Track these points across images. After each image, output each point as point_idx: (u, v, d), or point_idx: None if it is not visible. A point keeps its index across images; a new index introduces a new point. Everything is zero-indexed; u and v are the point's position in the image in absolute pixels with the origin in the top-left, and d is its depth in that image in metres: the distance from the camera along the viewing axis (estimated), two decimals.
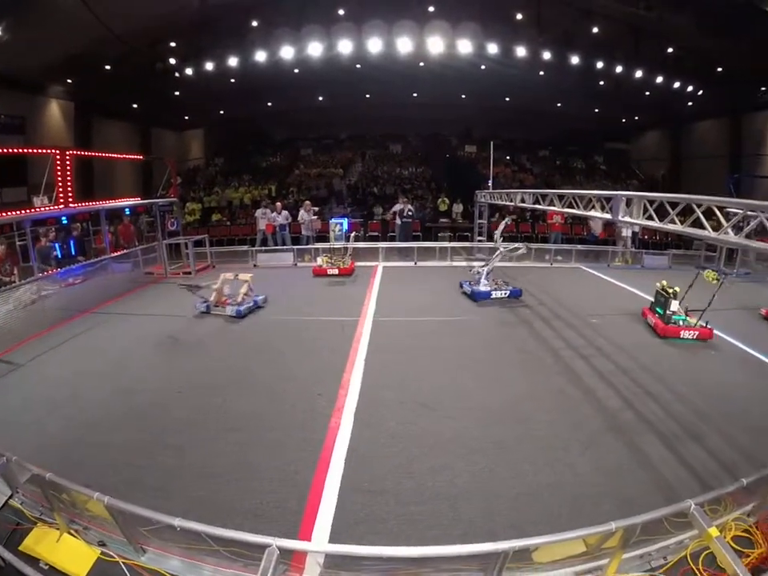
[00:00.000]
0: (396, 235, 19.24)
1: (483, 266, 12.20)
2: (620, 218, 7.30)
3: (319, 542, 4.14)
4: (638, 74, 24.37)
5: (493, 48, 21.01)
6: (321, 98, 28.55)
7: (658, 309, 10.21)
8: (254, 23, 20.18)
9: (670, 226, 6.33)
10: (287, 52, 20.32)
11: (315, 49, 20.20)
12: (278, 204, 18.92)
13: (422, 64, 22.63)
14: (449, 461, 5.26)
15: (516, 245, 13.06)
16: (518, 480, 4.97)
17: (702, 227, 5.90)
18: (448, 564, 3.46)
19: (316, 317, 10.48)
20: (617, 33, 21.89)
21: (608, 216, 7.74)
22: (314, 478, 4.99)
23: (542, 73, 24.26)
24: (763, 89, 26.11)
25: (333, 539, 4.16)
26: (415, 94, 27.80)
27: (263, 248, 17.22)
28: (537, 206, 11.42)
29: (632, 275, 15.46)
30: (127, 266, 13.81)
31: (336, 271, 14.29)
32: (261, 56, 20.63)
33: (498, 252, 12.28)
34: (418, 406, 6.48)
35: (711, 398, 7.26)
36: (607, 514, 3.61)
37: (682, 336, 9.59)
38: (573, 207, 9.06)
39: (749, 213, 5.40)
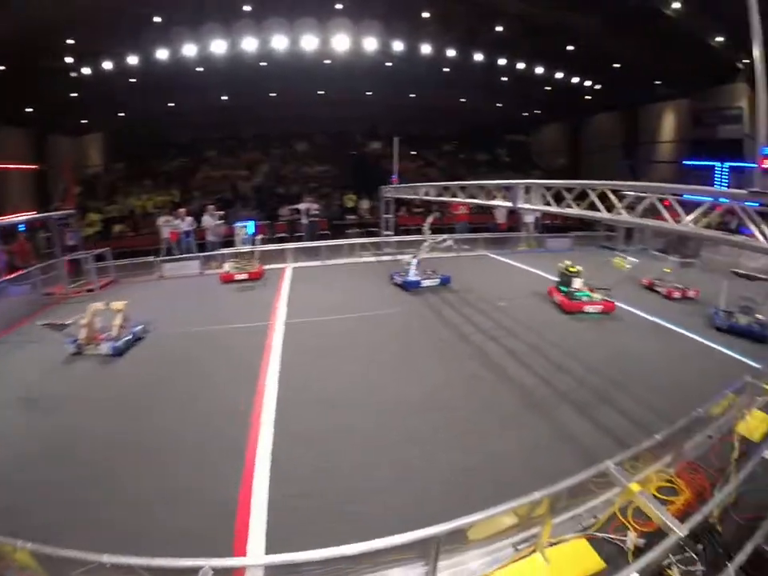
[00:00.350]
0: (303, 235, 19.01)
1: (413, 257, 12.56)
2: (519, 205, 7.61)
3: (255, 555, 4.05)
4: (539, 70, 25.80)
5: (398, 45, 21.30)
6: (225, 97, 27.47)
7: (562, 287, 11.03)
8: (156, 19, 18.73)
9: (567, 210, 6.71)
10: (190, 49, 19.37)
11: (219, 46, 19.41)
12: (181, 210, 18.01)
13: (327, 61, 22.46)
14: (371, 457, 5.32)
15: (444, 237, 13.43)
16: (439, 468, 5.11)
17: (597, 209, 6.27)
18: (388, 556, 3.51)
19: (226, 325, 9.97)
20: (520, 31, 22.68)
21: (509, 204, 8.05)
22: (241, 489, 4.87)
23: (446, 69, 24.90)
24: (658, 83, 28.45)
25: (269, 549, 4.08)
26: (321, 92, 27.50)
27: (168, 258, 16.25)
28: (440, 198, 11.70)
29: (536, 258, 16.41)
30: (25, 287, 12.62)
31: (245, 276, 13.88)
32: (163, 54, 19.53)
33: (426, 244, 12.64)
34: (336, 406, 6.47)
35: (619, 364, 7.95)
36: (529, 488, 3.75)
37: (585, 310, 10.43)
38: (475, 198, 9.35)
39: (640, 194, 5.78)
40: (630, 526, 4.22)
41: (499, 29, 22.20)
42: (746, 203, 4.75)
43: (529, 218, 19.46)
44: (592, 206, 6.48)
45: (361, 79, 25.18)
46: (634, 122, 32.00)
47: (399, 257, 13.30)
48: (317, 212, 19.43)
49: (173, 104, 26.96)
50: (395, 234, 17.43)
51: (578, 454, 5.24)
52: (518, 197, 7.59)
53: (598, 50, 24.86)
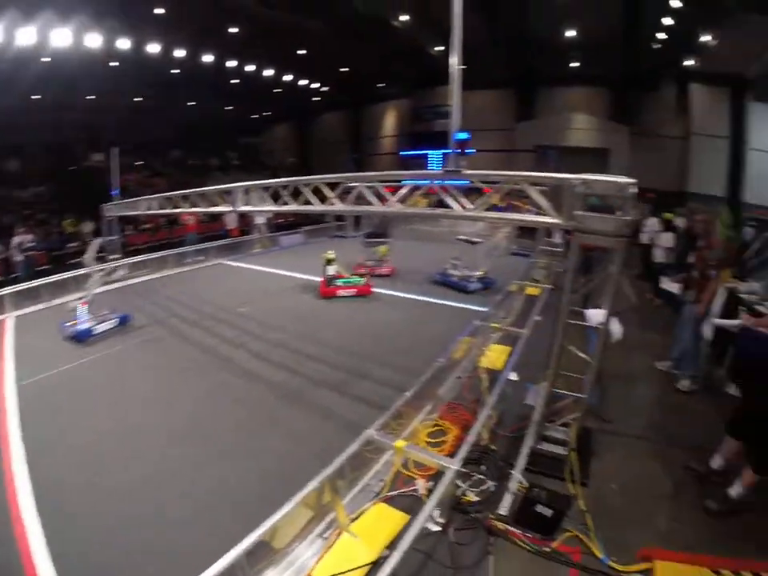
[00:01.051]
0: (20, 275, 15.61)
1: (82, 299, 9.96)
2: (239, 208, 7.49)
3: None
4: (270, 72, 26.09)
5: (126, 43, 19.13)
6: None
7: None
8: None
9: (284, 207, 6.76)
10: None
11: None
12: None
13: (46, 59, 18.52)
14: (145, 506, 4.65)
15: (113, 264, 11.82)
16: (228, 485, 4.85)
17: (311, 203, 6.48)
18: None
19: None
20: (253, 32, 22.37)
21: (230, 208, 7.86)
22: None
23: (176, 71, 23.54)
24: (381, 85, 32.00)
25: None
26: (36, 96, 22.92)
27: None
28: (164, 211, 10.32)
29: (272, 257, 16.72)
30: None
31: None
32: None
33: (94, 278, 10.43)
34: (95, 461, 5.43)
35: (369, 339, 8.74)
36: (311, 476, 3.80)
37: (339, 294, 11.38)
38: (197, 206, 8.87)
39: (352, 184, 6.13)
40: (415, 476, 4.62)
41: (232, 30, 21.60)
42: (445, 182, 5.31)
43: (260, 220, 19.59)
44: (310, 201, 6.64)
45: (82, 81, 21.78)
46: (359, 119, 35.38)
47: (67, 301, 10.61)
48: (32, 244, 16.43)
49: None
50: (125, 256, 14.19)
51: (346, 430, 5.34)
52: (238, 200, 7.43)
53: (327, 54, 26.16)
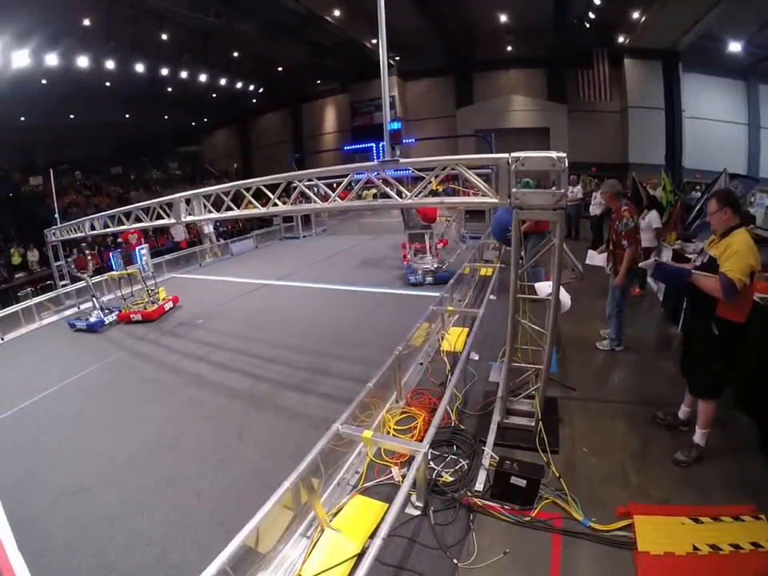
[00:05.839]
0: None
1: None
2: (183, 218, 7.25)
3: None
4: (205, 77, 25.65)
5: (53, 59, 18.33)
6: None
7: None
8: None
9: (228, 213, 6.64)
10: None
11: None
12: None
13: None
14: (123, 530, 4.42)
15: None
16: (205, 502, 4.70)
17: (254, 206, 6.40)
18: None
19: None
20: (185, 39, 21.99)
21: (173, 220, 7.60)
22: None
23: (108, 84, 23.11)
24: (318, 81, 32.62)
25: None
26: None
27: None
28: (108, 230, 9.75)
29: (225, 265, 16.44)
30: None
31: None
32: None
33: None
34: (68, 492, 5.08)
35: (327, 335, 8.74)
36: (285, 475, 3.69)
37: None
38: (141, 221, 8.51)
39: (294, 183, 6.09)
40: (389, 464, 4.67)
41: (165, 37, 21.24)
42: (386, 172, 5.29)
43: (208, 229, 19.33)
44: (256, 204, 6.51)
45: (12, 102, 20.57)
46: (299, 118, 35.24)
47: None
48: None
49: None
50: (72, 282, 13.56)
51: (313, 428, 5.28)
52: (181, 211, 7.17)
53: (261, 54, 25.92)
